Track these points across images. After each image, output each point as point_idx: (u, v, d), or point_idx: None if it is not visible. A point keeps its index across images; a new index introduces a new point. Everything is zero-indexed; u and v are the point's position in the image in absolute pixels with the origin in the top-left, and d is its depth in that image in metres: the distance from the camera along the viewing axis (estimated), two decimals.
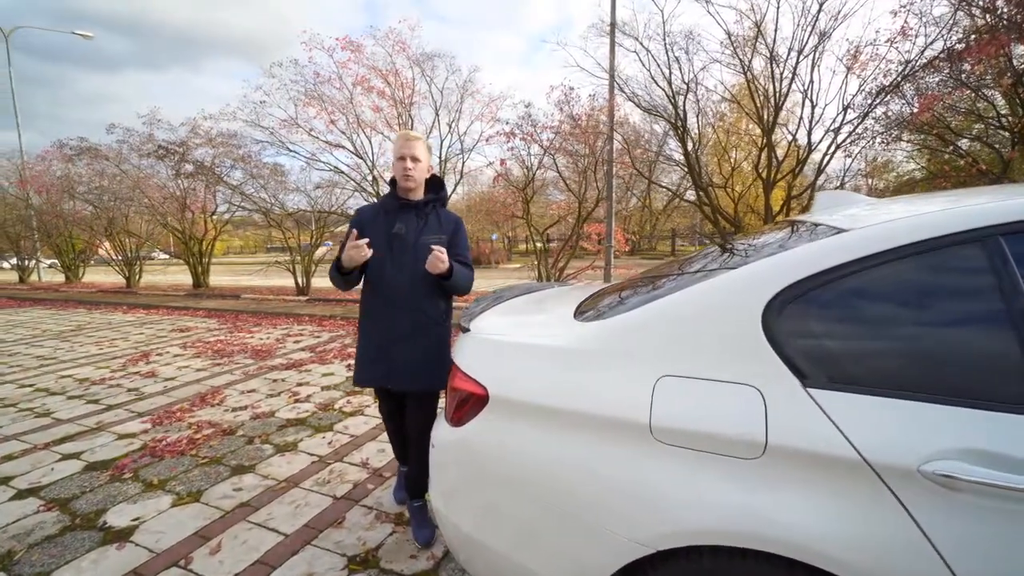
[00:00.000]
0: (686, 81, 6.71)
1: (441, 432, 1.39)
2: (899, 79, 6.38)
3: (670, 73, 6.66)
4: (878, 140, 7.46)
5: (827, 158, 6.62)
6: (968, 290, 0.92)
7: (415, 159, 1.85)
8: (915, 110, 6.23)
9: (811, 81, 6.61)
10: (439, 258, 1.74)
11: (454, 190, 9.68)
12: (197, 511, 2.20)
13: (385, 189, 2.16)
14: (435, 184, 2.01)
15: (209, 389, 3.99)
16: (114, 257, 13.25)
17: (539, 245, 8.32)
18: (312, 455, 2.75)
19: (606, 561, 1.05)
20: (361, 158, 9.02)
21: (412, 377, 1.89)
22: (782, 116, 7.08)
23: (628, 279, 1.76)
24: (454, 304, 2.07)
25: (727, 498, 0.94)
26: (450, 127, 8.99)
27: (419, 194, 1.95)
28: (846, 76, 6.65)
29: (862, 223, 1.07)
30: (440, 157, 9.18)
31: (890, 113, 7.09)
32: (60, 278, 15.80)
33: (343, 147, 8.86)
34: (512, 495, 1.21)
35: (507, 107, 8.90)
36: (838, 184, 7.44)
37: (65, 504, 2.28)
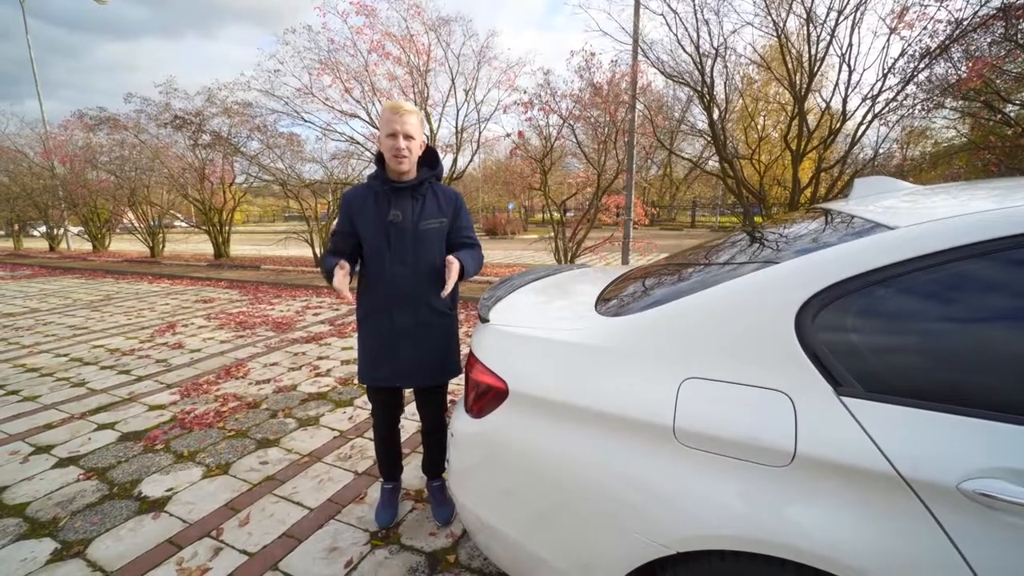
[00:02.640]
0: (715, 45, 6.34)
1: (461, 423, 1.40)
2: (948, 40, 5.93)
3: (698, 37, 6.29)
4: (918, 107, 7.04)
5: (863, 127, 6.26)
6: (1021, 299, 0.86)
7: (408, 136, 1.62)
8: (963, 74, 5.80)
9: (850, 44, 6.18)
10: (453, 276, 1.63)
11: (470, 161, 9.52)
12: (226, 483, 2.29)
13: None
14: (430, 158, 1.78)
15: (233, 362, 4.10)
16: (138, 226, 13.52)
17: (556, 216, 8.19)
18: (334, 430, 2.83)
19: (623, 559, 1.05)
20: (377, 128, 8.87)
21: (422, 374, 1.80)
22: (816, 82, 6.68)
23: (651, 265, 1.71)
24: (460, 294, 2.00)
25: (753, 505, 0.93)
26: (467, 94, 8.75)
27: (412, 174, 1.72)
28: (889, 38, 6.20)
29: (908, 220, 0.99)
30: (457, 127, 8.99)
31: (934, 78, 6.64)
32: (88, 246, 16.26)
33: (358, 116, 8.72)
34: (531, 488, 1.22)
35: (525, 74, 8.55)
36: (871, 155, 7.07)
37: (103, 473, 2.40)
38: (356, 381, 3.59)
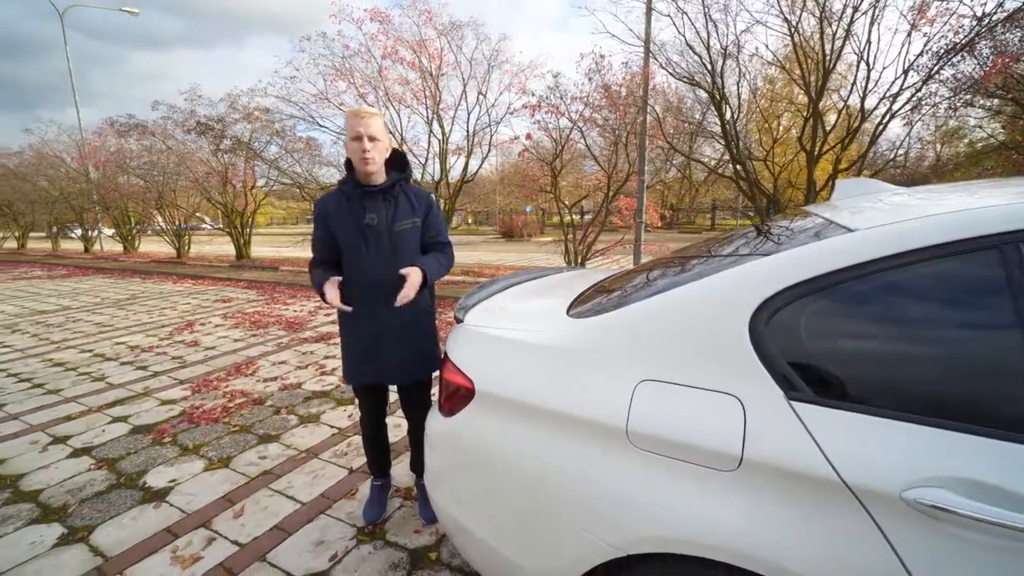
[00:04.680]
0: (724, 46, 6.26)
1: (433, 421, 1.43)
2: (974, 35, 5.73)
3: (708, 37, 6.22)
4: (944, 106, 6.80)
5: (881, 127, 6.08)
6: (977, 304, 0.84)
7: (372, 138, 1.65)
8: (987, 71, 5.60)
9: (868, 41, 6.03)
10: (412, 287, 1.64)
11: (481, 165, 9.59)
12: (225, 476, 2.37)
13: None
14: (398, 161, 1.81)
15: (244, 359, 4.23)
16: (165, 228, 14.03)
17: (567, 219, 8.18)
18: (333, 427, 2.89)
19: (577, 560, 1.06)
20: (391, 132, 9.03)
21: (406, 370, 1.86)
22: (832, 81, 6.53)
23: (632, 269, 1.71)
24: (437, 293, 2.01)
25: (700, 509, 0.93)
26: (478, 98, 8.83)
27: (381, 177, 1.74)
28: (909, 34, 6.02)
29: (870, 222, 0.98)
30: (468, 130, 9.08)
31: (959, 75, 6.42)
32: (119, 248, 16.94)
33: None
34: (495, 488, 1.24)
35: (536, 77, 8.57)
36: (891, 157, 6.86)
37: (112, 464, 2.51)
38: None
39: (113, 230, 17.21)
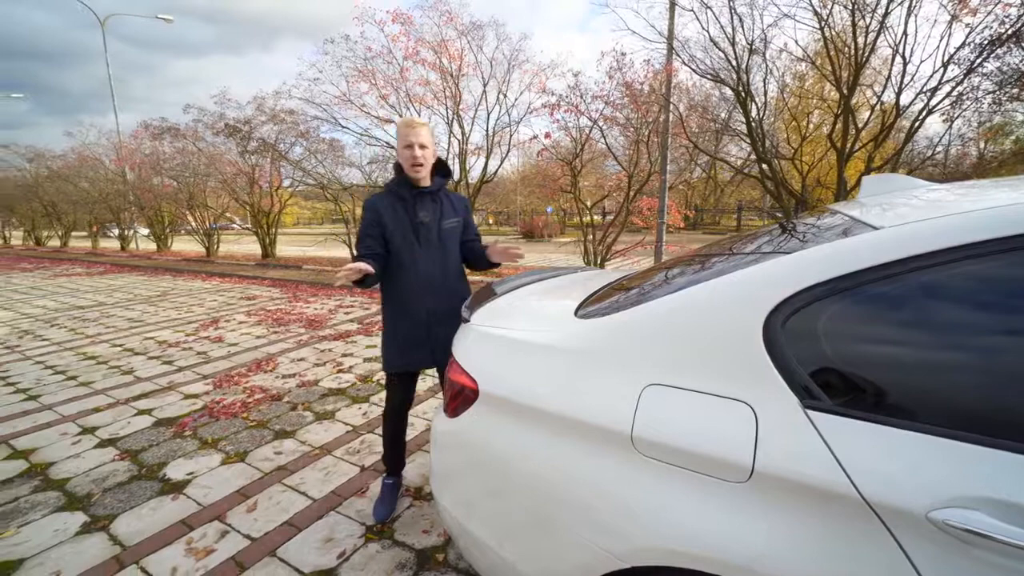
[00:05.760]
0: (750, 41, 6.07)
1: (438, 421, 1.41)
2: (1021, 25, 5.41)
3: (733, 32, 6.05)
4: (987, 100, 6.47)
5: (917, 124, 5.80)
6: (1018, 307, 0.77)
7: (423, 146, 1.85)
8: None
9: (904, 33, 5.75)
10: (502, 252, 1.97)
11: (500, 165, 9.58)
12: (241, 470, 2.41)
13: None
14: (442, 168, 2.01)
15: (265, 356, 4.31)
16: (196, 228, 14.50)
17: (586, 219, 8.09)
18: (347, 424, 2.91)
19: (580, 569, 1.02)
20: None
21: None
22: (865, 76, 6.27)
23: (640, 270, 1.66)
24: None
25: (708, 522, 0.88)
26: (498, 98, 8.83)
27: (428, 180, 1.95)
28: (950, 25, 5.73)
29: (898, 219, 0.92)
30: (488, 130, 9.08)
31: (1005, 68, 6.08)
32: (153, 247, 17.59)
33: (393, 122, 8.97)
34: (498, 492, 1.21)
35: (556, 76, 8.53)
36: (929, 155, 6.55)
37: (135, 455, 2.58)
38: (376, 377, 3.69)
39: (148, 230, 17.90)
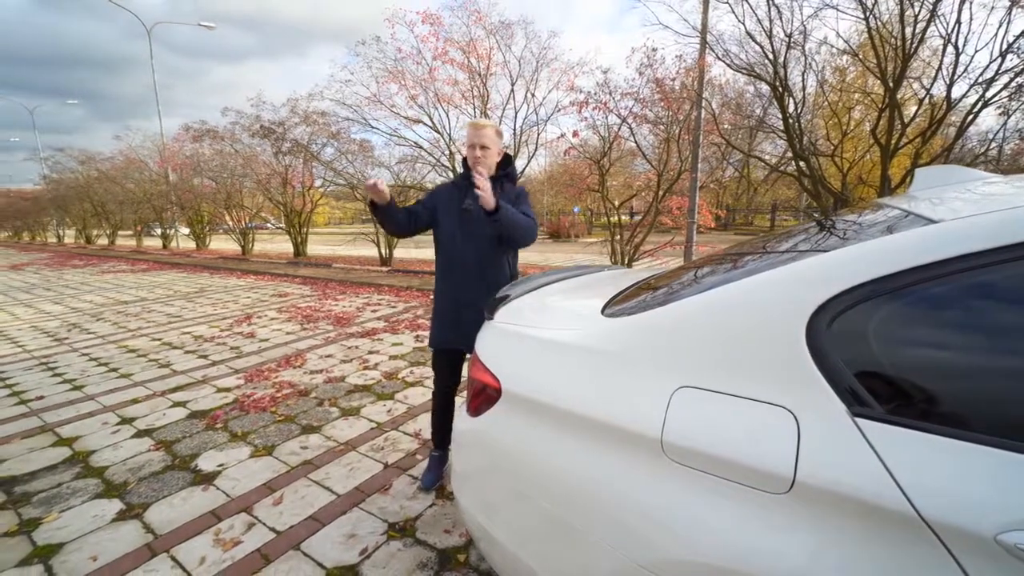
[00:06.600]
0: (788, 34, 5.83)
1: (460, 421, 1.39)
2: None
3: (770, 24, 5.82)
4: None
5: (971, 117, 5.45)
6: None
7: (484, 147, 2.00)
8: None
9: (957, 22, 5.41)
10: (485, 188, 1.80)
11: (528, 163, 9.54)
12: (268, 464, 2.45)
13: (459, 161, 2.23)
14: (505, 162, 2.14)
15: (294, 352, 4.41)
16: (232, 227, 15.05)
17: (614, 219, 7.97)
18: (372, 421, 2.93)
19: None
20: (439, 133, 9.19)
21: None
22: (913, 68, 5.93)
23: (671, 268, 1.60)
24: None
25: (744, 535, 0.82)
26: (526, 97, 8.79)
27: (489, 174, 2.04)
28: (1009, 11, 5.36)
29: (957, 213, 0.84)
30: (515, 129, 9.06)
31: None
32: (192, 245, 18.35)
33: (422, 122, 9.07)
34: (520, 494, 1.17)
35: (584, 74, 8.43)
36: (982, 151, 6.15)
37: (169, 446, 2.67)
38: (401, 375, 3.71)
39: (188, 229, 18.70)
